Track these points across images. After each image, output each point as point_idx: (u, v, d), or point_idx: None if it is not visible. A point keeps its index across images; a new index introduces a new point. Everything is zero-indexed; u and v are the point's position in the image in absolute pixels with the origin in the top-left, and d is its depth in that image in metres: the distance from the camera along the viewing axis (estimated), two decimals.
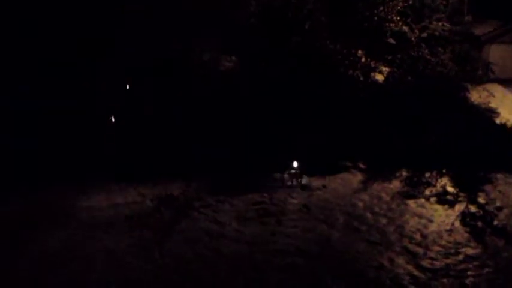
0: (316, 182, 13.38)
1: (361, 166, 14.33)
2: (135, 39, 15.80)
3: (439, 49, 17.69)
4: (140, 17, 15.87)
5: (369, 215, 11.71)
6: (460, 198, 12.42)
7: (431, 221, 11.40)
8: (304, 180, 13.39)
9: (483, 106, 17.73)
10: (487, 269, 9.57)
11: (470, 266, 9.67)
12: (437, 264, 9.73)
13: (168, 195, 12.61)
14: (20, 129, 14.97)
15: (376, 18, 16.80)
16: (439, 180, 13.44)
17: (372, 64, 17.13)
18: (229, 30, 15.90)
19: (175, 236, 10.81)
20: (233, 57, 16.07)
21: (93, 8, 15.91)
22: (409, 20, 17.32)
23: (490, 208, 11.94)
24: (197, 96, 15.42)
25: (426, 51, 17.25)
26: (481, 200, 12.36)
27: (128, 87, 15.99)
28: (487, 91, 19.40)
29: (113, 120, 15.48)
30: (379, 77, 17.24)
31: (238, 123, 14.96)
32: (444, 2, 18.41)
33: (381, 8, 16.79)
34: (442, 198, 12.46)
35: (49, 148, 14.32)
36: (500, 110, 17.53)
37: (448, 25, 18.07)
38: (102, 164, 14.09)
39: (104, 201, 12.48)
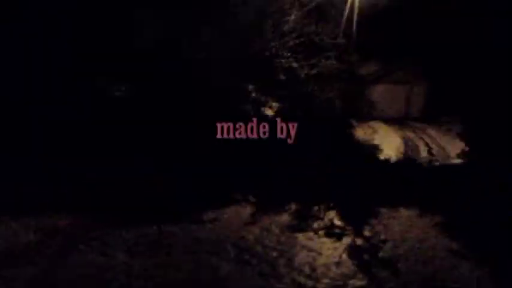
0: (206, 215, 13.20)
1: (251, 199, 14.34)
2: None
3: (327, 87, 18.35)
4: None
5: (259, 248, 11.63)
6: (346, 232, 12.68)
7: (320, 253, 11.50)
8: None
9: (367, 143, 18.52)
10: None
11: None
12: None
13: (53, 228, 11.88)
14: None
15: (267, 53, 17.14)
16: (327, 213, 13.70)
17: (263, 99, 17.35)
18: (124, 57, 15.57)
19: (61, 270, 10.12)
20: (127, 84, 15.66)
21: None
22: (299, 57, 17.86)
23: (375, 241, 12.29)
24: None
25: (315, 87, 17.83)
26: (366, 233, 12.69)
27: None
28: (371, 128, 20.41)
29: None
30: (270, 112, 17.49)
31: (128, 152, 14.55)
32: (333, 41, 19.21)
33: (273, 44, 17.18)
34: (330, 232, 12.65)
35: None
36: (383, 146, 18.37)
37: (335, 63, 18.84)
38: None
39: None
